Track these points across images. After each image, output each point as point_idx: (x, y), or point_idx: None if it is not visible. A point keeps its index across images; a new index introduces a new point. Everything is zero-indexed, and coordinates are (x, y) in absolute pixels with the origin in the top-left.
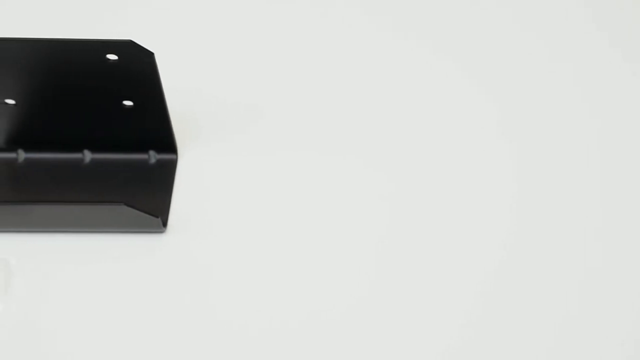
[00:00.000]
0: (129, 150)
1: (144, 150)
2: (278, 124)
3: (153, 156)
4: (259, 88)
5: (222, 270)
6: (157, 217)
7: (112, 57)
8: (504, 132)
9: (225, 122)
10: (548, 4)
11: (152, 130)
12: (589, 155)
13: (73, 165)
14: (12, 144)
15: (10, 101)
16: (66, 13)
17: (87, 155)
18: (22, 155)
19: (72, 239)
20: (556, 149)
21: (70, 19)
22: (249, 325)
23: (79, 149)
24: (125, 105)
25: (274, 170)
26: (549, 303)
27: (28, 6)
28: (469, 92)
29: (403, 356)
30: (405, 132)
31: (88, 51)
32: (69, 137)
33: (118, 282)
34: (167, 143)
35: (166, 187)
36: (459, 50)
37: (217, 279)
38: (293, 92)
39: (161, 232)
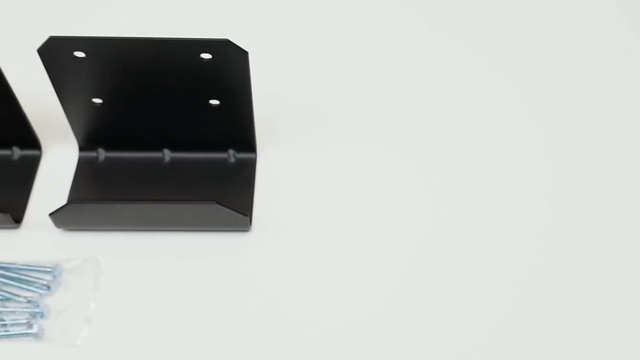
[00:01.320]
0: (209, 149)
1: (224, 149)
2: (349, 125)
3: (233, 155)
4: (331, 90)
5: (303, 266)
6: (246, 215)
7: (206, 56)
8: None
9: (299, 123)
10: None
11: (235, 129)
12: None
13: (154, 164)
14: (93, 143)
15: (98, 100)
16: (157, 13)
17: (167, 154)
18: (102, 154)
19: (159, 237)
20: (591, 146)
21: (159, 19)
22: (332, 318)
23: (159, 148)
24: (211, 104)
25: (347, 169)
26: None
27: (114, 6)
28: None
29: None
30: (472, 136)
31: (183, 50)
32: (151, 136)
33: (205, 279)
34: (247, 142)
35: (248, 186)
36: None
37: (299, 274)
38: (364, 95)
39: (247, 230)
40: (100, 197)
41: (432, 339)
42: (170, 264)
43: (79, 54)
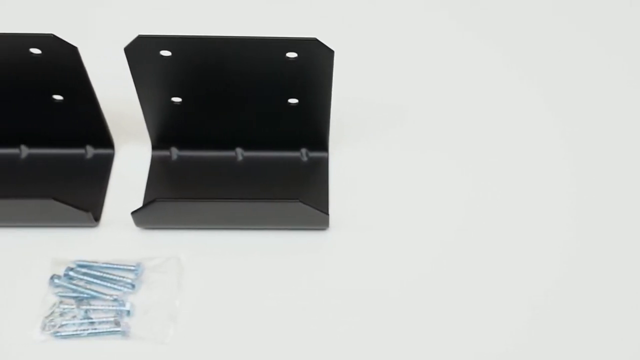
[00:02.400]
0: (282, 148)
1: (297, 148)
2: (421, 124)
3: (305, 154)
4: (404, 90)
5: (380, 264)
6: (327, 214)
7: (291, 55)
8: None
9: (370, 121)
10: None
11: (310, 128)
12: None
13: (226, 162)
14: (165, 142)
15: (177, 99)
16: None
17: (240, 153)
18: (175, 152)
19: (234, 235)
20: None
21: (244, 18)
22: (409, 313)
23: (232, 146)
24: (290, 103)
25: (418, 168)
26: None
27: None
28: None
29: None
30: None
31: (269, 49)
32: (224, 134)
33: (284, 276)
34: (320, 141)
35: (322, 185)
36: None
37: (376, 272)
38: (437, 95)
39: (325, 228)
40: (175, 195)
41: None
42: (249, 261)
43: (165, 53)
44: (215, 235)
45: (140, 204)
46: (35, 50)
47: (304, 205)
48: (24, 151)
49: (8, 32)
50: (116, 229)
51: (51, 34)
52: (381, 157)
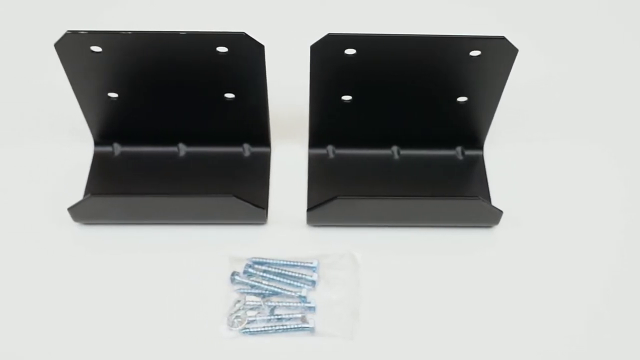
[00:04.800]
0: (438, 146)
1: (452, 146)
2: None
3: (460, 152)
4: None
5: (546, 264)
6: (501, 211)
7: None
8: None
9: (524, 117)
10: None
11: (464, 125)
12: None
13: (384, 160)
14: (321, 139)
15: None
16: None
17: (395, 151)
18: (331, 150)
19: (410, 233)
20: None
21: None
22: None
23: (388, 145)
24: (459, 101)
25: (576, 166)
26: None
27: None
28: None
29: None
30: None
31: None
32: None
33: (453, 274)
34: (476, 139)
35: (482, 182)
36: None
37: (551, 270)
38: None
39: (494, 226)
40: (336, 194)
41: None
42: (419, 258)
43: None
44: (376, 232)
45: (301, 202)
46: (222, 49)
47: (484, 203)
48: (182, 149)
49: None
50: (283, 226)
51: (243, 32)
52: (537, 154)
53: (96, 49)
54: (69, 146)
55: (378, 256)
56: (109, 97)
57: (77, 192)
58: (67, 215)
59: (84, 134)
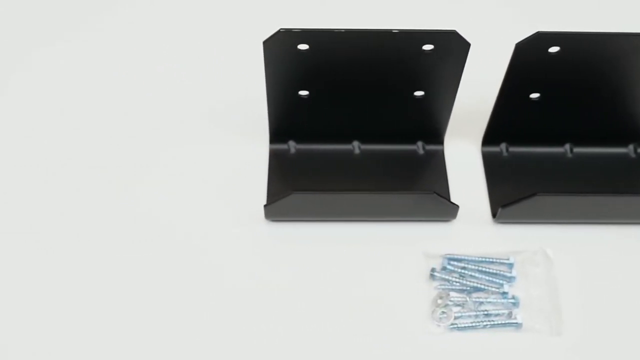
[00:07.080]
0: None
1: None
2: None
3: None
4: None
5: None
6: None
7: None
8: None
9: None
10: None
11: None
12: None
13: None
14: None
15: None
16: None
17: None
18: (503, 148)
19: (601, 230)
20: None
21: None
22: None
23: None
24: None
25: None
26: None
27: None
28: None
29: None
30: None
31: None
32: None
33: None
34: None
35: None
36: None
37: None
38: None
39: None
40: (515, 194)
41: None
42: (613, 255)
43: (303, 47)
44: (584, 230)
45: (483, 199)
46: (428, 46)
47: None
48: (357, 147)
49: (405, 28)
50: (467, 222)
51: (454, 30)
52: None
53: (303, 46)
54: (238, 144)
55: (569, 253)
56: (300, 95)
57: (252, 189)
58: (254, 212)
59: (253, 132)
